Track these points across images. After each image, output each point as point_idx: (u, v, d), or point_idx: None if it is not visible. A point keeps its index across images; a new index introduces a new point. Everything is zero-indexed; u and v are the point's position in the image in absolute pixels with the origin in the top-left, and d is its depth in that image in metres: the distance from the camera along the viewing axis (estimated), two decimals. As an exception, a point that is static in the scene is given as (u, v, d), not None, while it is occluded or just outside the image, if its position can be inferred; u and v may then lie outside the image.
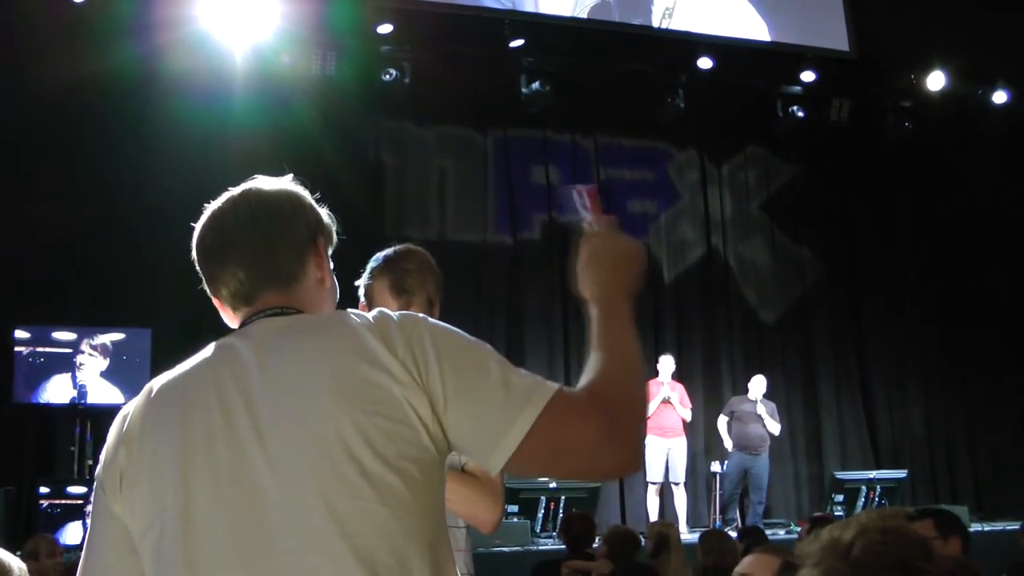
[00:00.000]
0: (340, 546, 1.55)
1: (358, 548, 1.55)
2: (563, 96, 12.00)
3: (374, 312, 1.73)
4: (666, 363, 11.63)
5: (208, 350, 1.78)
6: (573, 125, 13.24)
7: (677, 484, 11.51)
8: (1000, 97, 13.23)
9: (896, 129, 13.31)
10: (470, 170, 12.83)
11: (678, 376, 11.85)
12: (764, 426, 11.73)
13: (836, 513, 11.22)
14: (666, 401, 11.44)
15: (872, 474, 12.10)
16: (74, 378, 9.66)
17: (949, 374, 13.98)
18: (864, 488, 11.60)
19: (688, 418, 11.69)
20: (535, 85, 11.88)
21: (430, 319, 1.73)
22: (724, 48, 12.13)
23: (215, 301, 1.88)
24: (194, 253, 1.87)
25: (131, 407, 1.78)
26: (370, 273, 2.98)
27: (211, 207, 1.88)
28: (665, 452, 11.40)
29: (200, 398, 1.69)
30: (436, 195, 12.63)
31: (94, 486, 1.78)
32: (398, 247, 3.04)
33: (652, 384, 11.62)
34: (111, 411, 2.15)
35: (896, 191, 13.96)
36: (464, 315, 11.45)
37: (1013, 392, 13.43)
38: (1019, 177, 13.91)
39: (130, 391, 9.79)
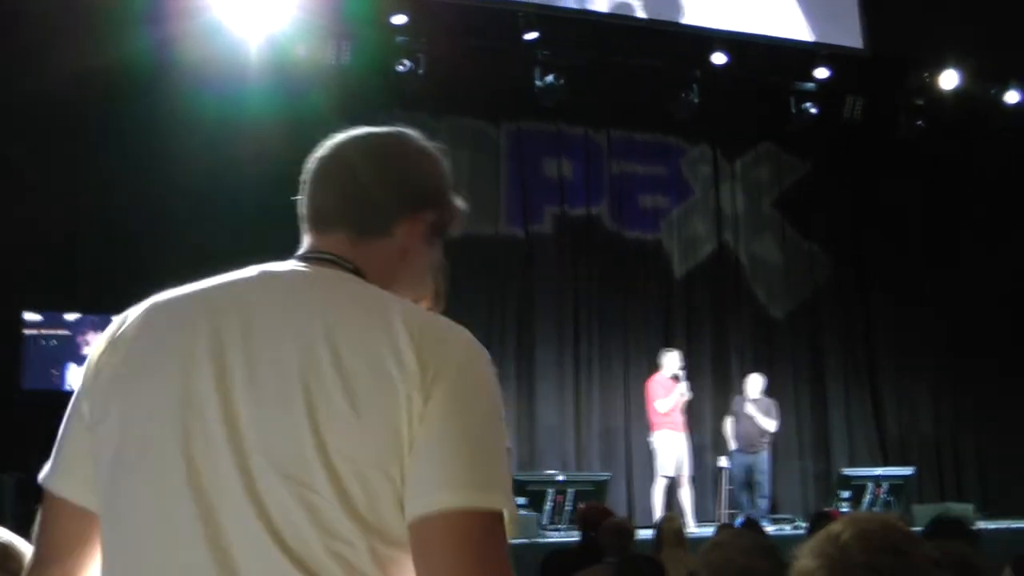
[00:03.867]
0: (273, 532, 1.41)
1: (295, 542, 1.41)
2: (577, 89, 12.00)
3: (428, 314, 1.60)
4: (671, 358, 11.64)
5: (239, 274, 1.63)
6: (586, 119, 13.23)
7: (685, 478, 11.54)
8: (1013, 97, 13.24)
9: (909, 127, 13.32)
10: (483, 162, 12.82)
11: (688, 370, 11.79)
12: (758, 424, 11.76)
13: (842, 509, 11.23)
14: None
15: (879, 471, 12.12)
16: (78, 363, 9.66)
17: (957, 372, 13.98)
18: (871, 485, 11.62)
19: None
20: (549, 78, 11.88)
21: (484, 357, 1.53)
22: (738, 44, 12.13)
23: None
24: (307, 166, 1.73)
25: (131, 312, 1.62)
26: None
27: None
28: (678, 447, 11.43)
29: (206, 326, 1.53)
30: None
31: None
32: None
33: (666, 380, 11.57)
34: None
35: (909, 189, 13.94)
36: (475, 308, 11.47)
37: (1022, 390, 13.42)
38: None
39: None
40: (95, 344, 1.63)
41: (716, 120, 13.32)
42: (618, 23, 11.75)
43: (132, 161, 10.49)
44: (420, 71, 11.40)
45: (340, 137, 1.76)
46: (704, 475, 12.57)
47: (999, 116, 13.36)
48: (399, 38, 11.39)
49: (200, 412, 1.47)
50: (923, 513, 11.30)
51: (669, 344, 12.51)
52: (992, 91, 13.29)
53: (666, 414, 11.44)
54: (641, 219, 13.46)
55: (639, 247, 13.34)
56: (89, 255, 10.52)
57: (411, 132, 1.83)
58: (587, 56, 12.09)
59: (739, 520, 11.34)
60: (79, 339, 9.76)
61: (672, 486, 11.59)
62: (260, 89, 10.66)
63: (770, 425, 11.80)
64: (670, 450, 11.37)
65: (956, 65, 12.82)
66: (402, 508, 1.43)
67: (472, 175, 12.69)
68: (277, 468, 1.43)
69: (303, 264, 1.63)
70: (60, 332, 9.78)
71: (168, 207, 10.42)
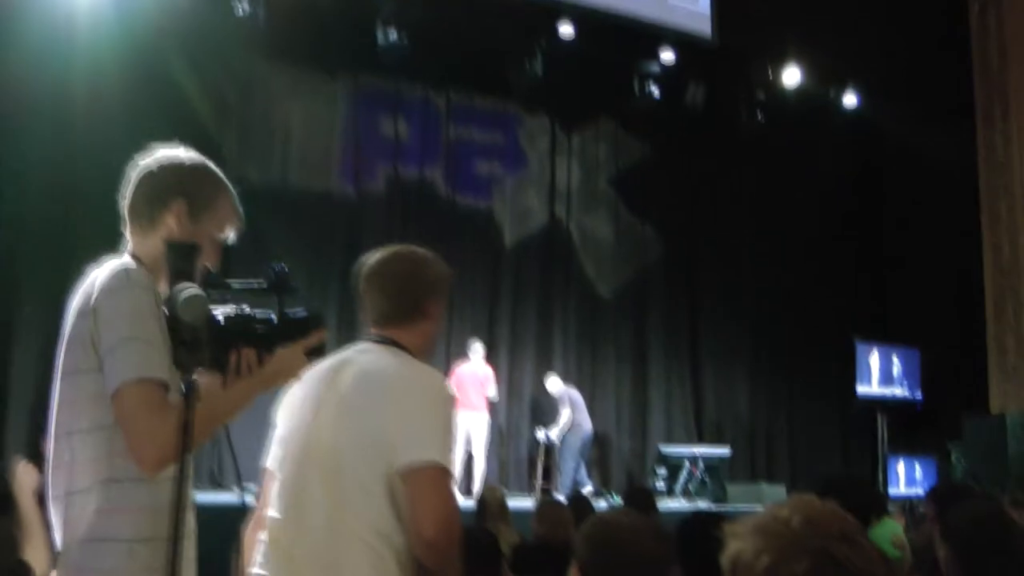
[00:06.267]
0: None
1: None
2: (420, 49, 11.81)
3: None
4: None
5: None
6: (427, 79, 12.99)
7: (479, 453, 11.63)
8: (850, 100, 13.66)
9: (749, 119, 13.59)
10: (318, 115, 12.46)
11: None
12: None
13: (658, 485, 11.41)
14: None
15: (696, 450, 12.29)
16: None
17: (775, 358, 14.33)
18: (687, 463, 11.80)
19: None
20: (392, 35, 11.65)
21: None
22: (587, 18, 12.09)
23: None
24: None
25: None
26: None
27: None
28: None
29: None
30: (281, 137, 12.23)
31: None
32: None
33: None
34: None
35: (743, 179, 14.19)
36: (302, 262, 11.13)
37: (833, 377, 13.86)
38: (859, 174, 14.35)
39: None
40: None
41: (558, 93, 13.29)
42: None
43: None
44: (259, 16, 11.02)
45: (377, 259, 2.97)
46: (520, 448, 12.62)
47: (836, 116, 13.78)
48: (240, -20, 10.98)
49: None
50: (737, 492, 11.57)
51: (493, 315, 12.58)
52: (831, 92, 13.67)
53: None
54: (475, 186, 13.32)
55: (470, 214, 13.18)
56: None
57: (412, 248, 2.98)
58: (433, 15, 11.86)
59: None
60: None
61: (469, 460, 11.58)
62: (97, 25, 10.10)
63: (563, 417, 11.97)
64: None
65: (799, 63, 13.12)
66: None
67: (306, 127, 12.35)
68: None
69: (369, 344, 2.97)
70: None
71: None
